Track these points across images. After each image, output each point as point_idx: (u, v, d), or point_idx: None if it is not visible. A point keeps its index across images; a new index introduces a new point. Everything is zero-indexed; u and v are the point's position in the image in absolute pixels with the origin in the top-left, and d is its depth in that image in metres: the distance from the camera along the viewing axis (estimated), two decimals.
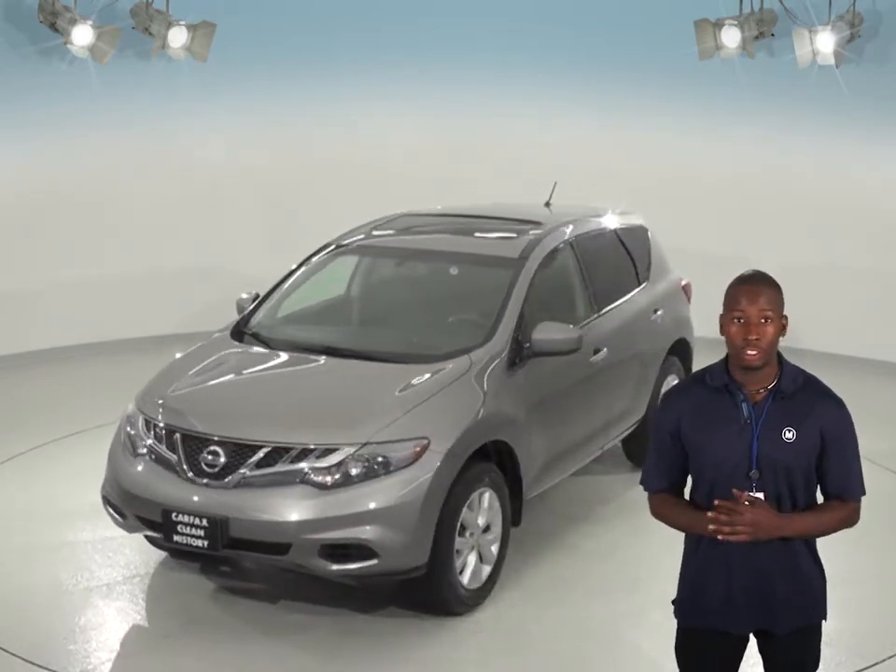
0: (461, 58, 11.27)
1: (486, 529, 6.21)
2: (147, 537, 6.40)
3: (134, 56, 10.70)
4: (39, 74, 10.40)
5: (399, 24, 11.33)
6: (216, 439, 5.85)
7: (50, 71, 10.39)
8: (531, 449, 6.50)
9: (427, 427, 5.89)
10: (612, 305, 7.63)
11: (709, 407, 3.75)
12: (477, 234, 7.60)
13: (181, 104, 11.18)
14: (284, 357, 6.63)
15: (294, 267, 7.53)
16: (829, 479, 3.75)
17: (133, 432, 6.22)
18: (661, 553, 5.89)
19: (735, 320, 3.66)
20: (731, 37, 10.35)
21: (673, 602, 3.95)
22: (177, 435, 5.98)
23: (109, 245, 11.11)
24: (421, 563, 5.78)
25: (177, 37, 10.35)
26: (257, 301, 7.22)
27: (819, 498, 3.81)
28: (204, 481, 5.82)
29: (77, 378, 10.39)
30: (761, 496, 3.67)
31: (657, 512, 3.89)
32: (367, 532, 5.63)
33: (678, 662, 3.97)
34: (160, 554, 6.65)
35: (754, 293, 3.66)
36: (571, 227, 7.61)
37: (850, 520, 3.78)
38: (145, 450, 6.11)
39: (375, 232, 7.64)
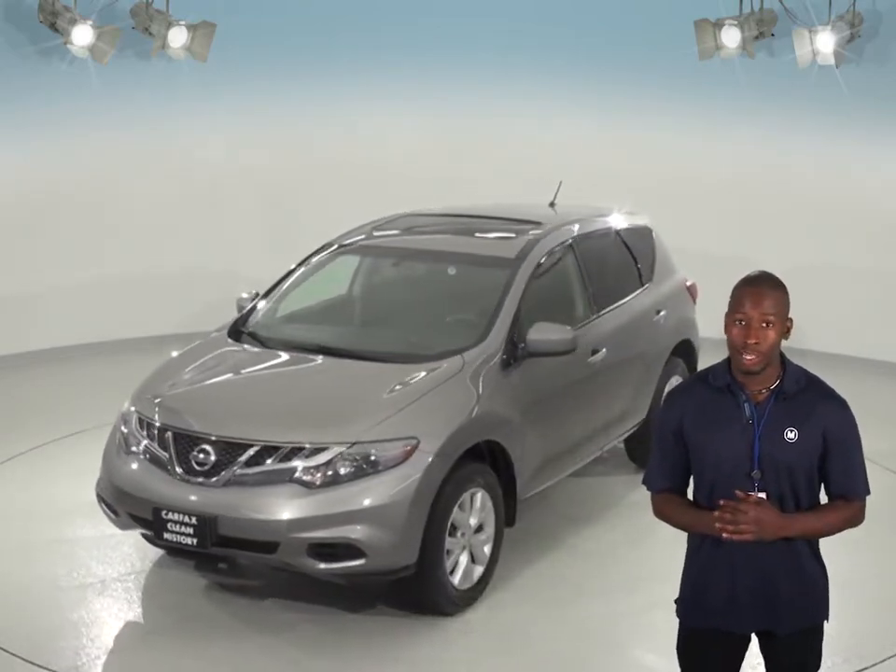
0: (461, 58, 11.26)
1: (479, 530, 6.19)
2: (143, 534, 6.39)
3: (134, 56, 10.71)
4: (39, 74, 10.40)
5: (399, 24, 11.32)
6: (209, 437, 5.85)
7: (50, 71, 10.40)
8: (526, 449, 6.48)
9: (418, 426, 5.88)
10: (613, 306, 7.59)
11: (712, 407, 3.74)
12: (477, 235, 7.59)
13: (181, 104, 11.18)
14: (279, 356, 6.64)
15: (293, 267, 7.53)
16: (832, 479, 3.74)
17: (126, 430, 6.25)
18: (661, 554, 5.89)
19: (738, 322, 3.64)
20: (731, 37, 10.32)
21: (675, 602, 3.94)
22: (169, 433, 5.99)
23: (109, 246, 11.12)
24: (409, 563, 5.77)
25: (177, 37, 10.35)
26: (255, 301, 7.22)
27: (824, 499, 3.79)
28: (195, 479, 5.82)
29: (77, 378, 10.39)
30: (763, 496, 3.66)
31: (660, 512, 3.88)
32: (355, 531, 5.63)
33: (679, 662, 3.96)
34: (156, 552, 6.66)
35: (758, 296, 3.63)
36: (572, 227, 7.57)
37: (855, 520, 3.77)
38: (138, 448, 6.12)
39: (376, 233, 7.64)
